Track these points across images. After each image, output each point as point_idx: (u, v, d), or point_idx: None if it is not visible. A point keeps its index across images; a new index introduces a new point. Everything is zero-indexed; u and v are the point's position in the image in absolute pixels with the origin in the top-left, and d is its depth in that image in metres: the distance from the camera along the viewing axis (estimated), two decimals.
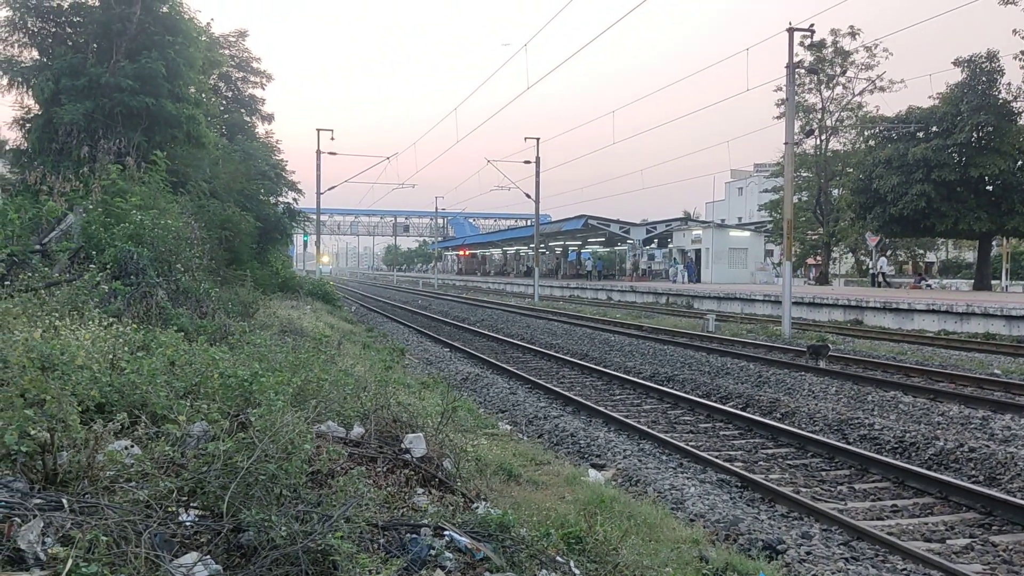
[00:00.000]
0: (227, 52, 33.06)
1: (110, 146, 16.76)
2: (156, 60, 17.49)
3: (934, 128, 37.24)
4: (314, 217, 47.74)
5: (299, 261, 75.84)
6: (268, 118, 36.92)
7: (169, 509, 3.85)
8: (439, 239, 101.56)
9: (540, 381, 15.11)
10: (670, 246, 61.57)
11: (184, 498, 4.00)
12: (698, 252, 54.74)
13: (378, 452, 5.54)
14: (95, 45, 18.26)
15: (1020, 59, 33.88)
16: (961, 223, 36.40)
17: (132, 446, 4.39)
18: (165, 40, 18.08)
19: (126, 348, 6.04)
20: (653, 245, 67.27)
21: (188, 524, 3.80)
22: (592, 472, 8.36)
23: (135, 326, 7.17)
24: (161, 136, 18.02)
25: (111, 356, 5.58)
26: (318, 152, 45.62)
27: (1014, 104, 36.25)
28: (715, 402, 12.92)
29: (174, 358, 6.03)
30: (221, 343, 7.94)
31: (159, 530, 3.57)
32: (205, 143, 19.83)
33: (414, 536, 4.12)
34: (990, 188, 36.70)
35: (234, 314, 12.06)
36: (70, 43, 18.49)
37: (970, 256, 58.61)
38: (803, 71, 42.46)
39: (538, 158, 43.88)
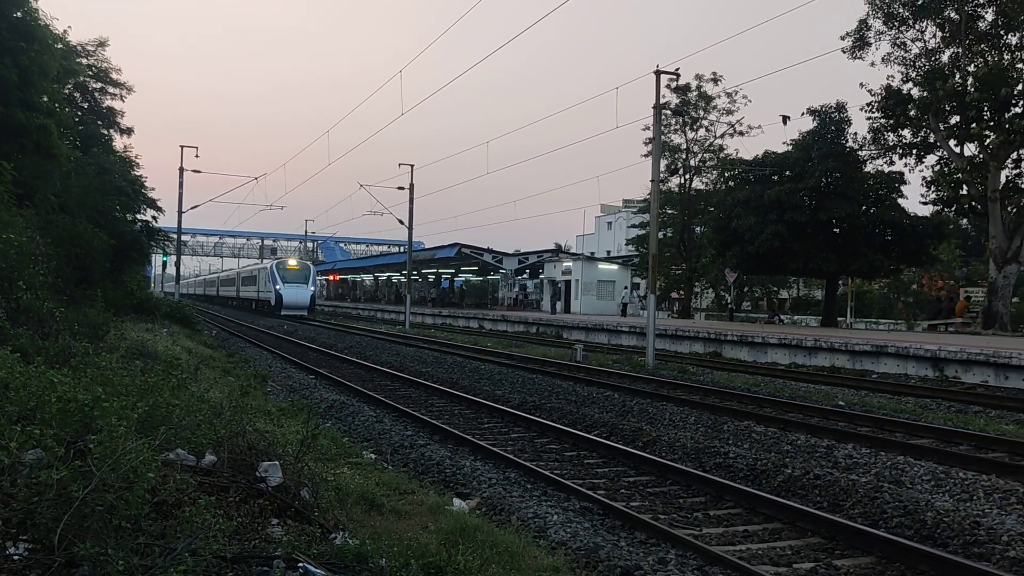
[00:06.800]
0: (85, 61, 31.55)
1: None
2: (8, 67, 16.45)
3: (787, 172, 39.43)
4: (174, 236, 46.01)
5: (157, 283, 72.59)
6: (127, 131, 35.36)
7: None
8: None
9: (408, 409, 14.92)
10: (541, 277, 62.57)
11: (13, 530, 3.73)
12: (568, 283, 55.84)
13: (231, 481, 5.30)
14: None
15: (866, 111, 36.51)
16: (811, 262, 38.54)
17: None
18: (18, 47, 17.04)
19: None
20: (525, 275, 68.19)
21: (16, 558, 3.55)
22: (456, 501, 8.29)
23: None
24: (8, 146, 16.92)
25: None
26: (181, 169, 44.03)
27: (860, 152, 38.94)
28: (580, 431, 13.09)
29: (8, 380, 5.60)
30: (63, 365, 7.44)
31: None
32: (56, 154, 18.75)
33: (265, 568, 3.95)
34: (837, 230, 39.03)
35: (81, 335, 11.36)
36: None
37: (819, 294, 62.21)
38: (669, 112, 44.32)
39: (412, 184, 43.82)
